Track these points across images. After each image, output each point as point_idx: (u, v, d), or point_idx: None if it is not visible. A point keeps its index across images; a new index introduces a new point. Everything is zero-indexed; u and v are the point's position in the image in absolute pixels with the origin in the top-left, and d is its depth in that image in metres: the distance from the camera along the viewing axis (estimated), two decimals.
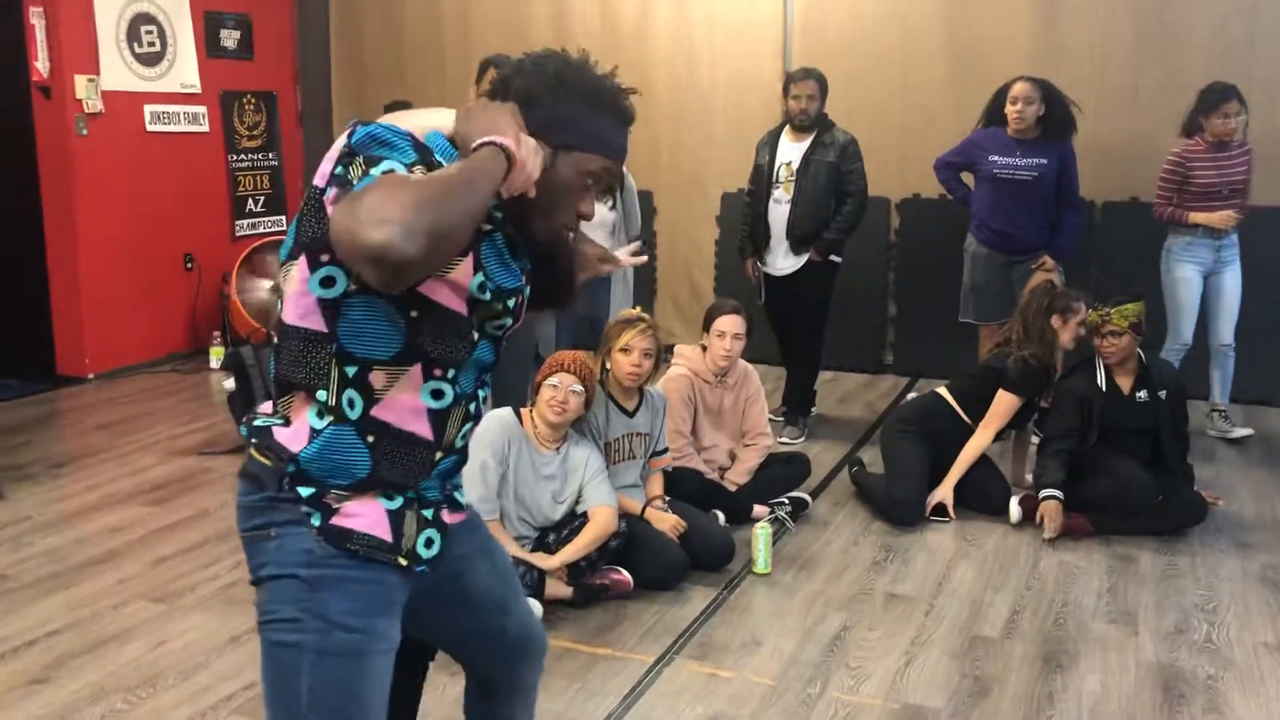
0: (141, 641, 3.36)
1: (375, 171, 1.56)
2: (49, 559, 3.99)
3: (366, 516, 1.70)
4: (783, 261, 5.38)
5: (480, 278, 1.68)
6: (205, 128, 7.19)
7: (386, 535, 1.71)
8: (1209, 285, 5.28)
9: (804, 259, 5.32)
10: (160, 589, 3.74)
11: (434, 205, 1.44)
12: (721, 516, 4.19)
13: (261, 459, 1.72)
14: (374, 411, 1.68)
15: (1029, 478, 4.52)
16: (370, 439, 1.68)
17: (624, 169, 5.59)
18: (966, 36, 6.34)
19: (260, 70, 7.56)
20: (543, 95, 1.70)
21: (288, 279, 1.68)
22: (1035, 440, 4.77)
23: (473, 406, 1.81)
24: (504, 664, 2.06)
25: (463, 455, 1.84)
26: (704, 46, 6.91)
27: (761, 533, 3.89)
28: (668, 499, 4.02)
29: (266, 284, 6.97)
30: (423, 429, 1.72)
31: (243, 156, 7.48)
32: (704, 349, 4.41)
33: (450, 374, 1.72)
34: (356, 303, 1.63)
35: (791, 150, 5.34)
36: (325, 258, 1.62)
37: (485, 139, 1.59)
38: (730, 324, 4.32)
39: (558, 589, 3.54)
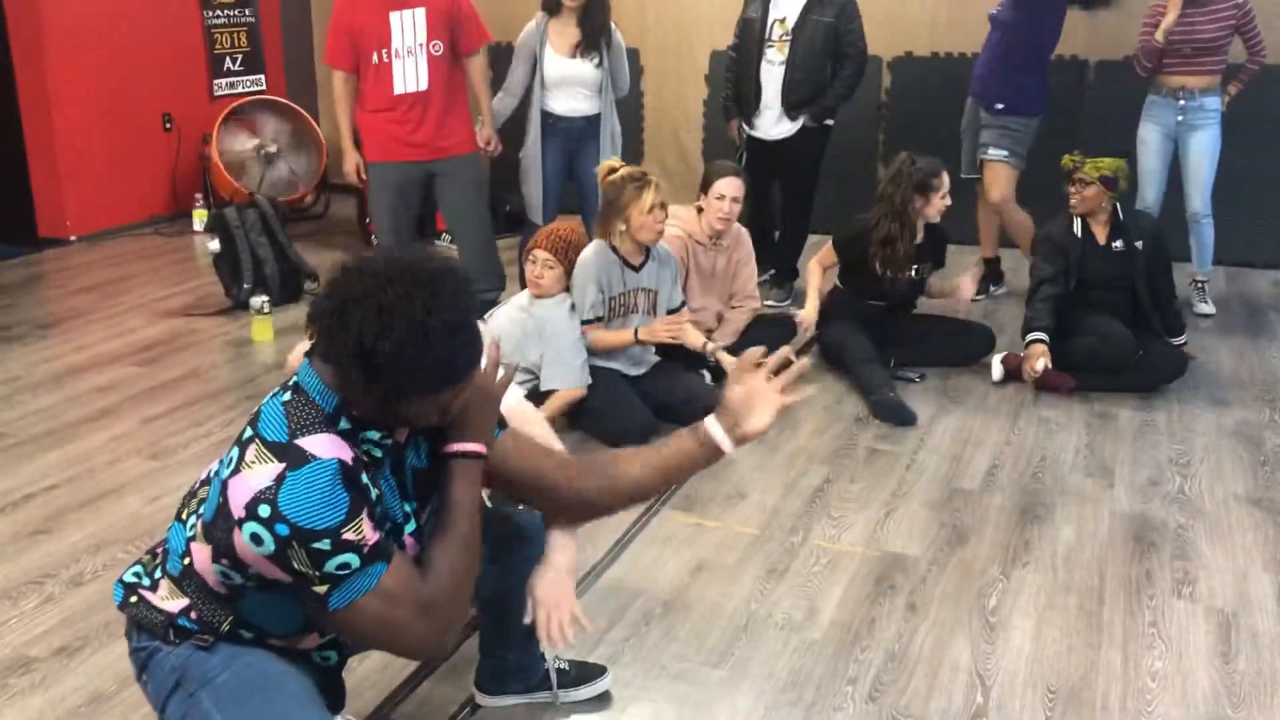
0: (138, 496, 3.43)
1: (355, 582, 1.65)
2: (42, 417, 4.03)
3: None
4: (775, 126, 5.24)
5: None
6: None
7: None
8: (1177, 150, 5.21)
9: (798, 124, 5.22)
10: (153, 445, 3.79)
11: (466, 578, 1.77)
12: (708, 376, 4.24)
13: (141, 621, 1.85)
14: (265, 645, 1.83)
15: (962, 291, 4.55)
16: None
17: (612, 25, 5.48)
18: None
19: None
20: (377, 375, 1.61)
21: (197, 534, 1.75)
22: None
23: None
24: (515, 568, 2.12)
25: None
26: None
27: None
28: (658, 358, 4.08)
29: (248, 144, 6.86)
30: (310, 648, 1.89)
31: (219, 13, 7.26)
32: (699, 210, 4.40)
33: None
34: (256, 593, 1.73)
35: (786, 6, 5.14)
36: (225, 561, 1.69)
37: (460, 448, 1.80)
38: (730, 187, 4.29)
39: None
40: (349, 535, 1.62)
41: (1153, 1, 5.13)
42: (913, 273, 4.53)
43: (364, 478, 1.68)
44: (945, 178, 4.42)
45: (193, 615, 1.80)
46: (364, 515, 1.65)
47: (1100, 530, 3.26)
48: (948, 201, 4.44)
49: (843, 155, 6.21)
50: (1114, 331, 4.25)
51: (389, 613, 1.67)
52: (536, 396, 3.87)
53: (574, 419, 3.89)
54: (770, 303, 5.36)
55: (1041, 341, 4.22)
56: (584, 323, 3.89)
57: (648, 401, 3.88)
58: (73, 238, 6.54)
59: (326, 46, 4.72)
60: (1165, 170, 5.24)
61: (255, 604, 1.76)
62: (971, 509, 3.38)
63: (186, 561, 1.78)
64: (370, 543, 1.66)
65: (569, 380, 3.83)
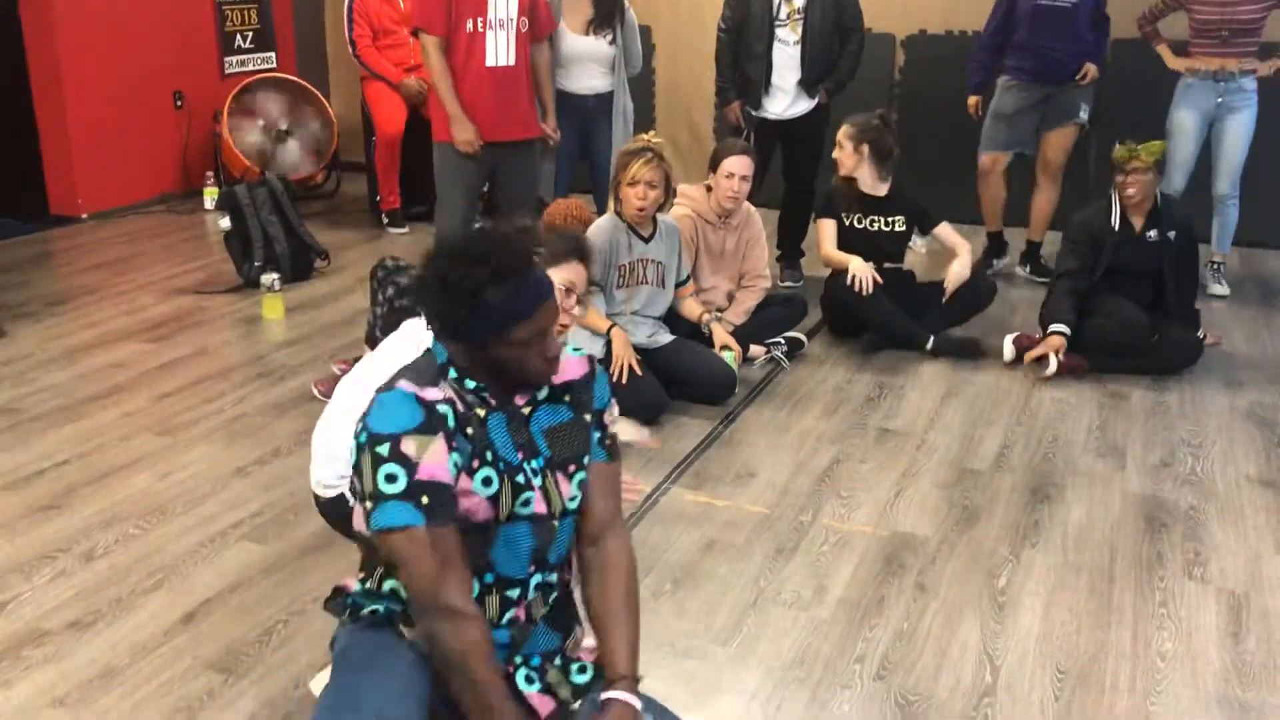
0: (149, 472, 3.44)
1: (382, 512, 1.72)
2: (53, 394, 4.04)
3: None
4: (793, 106, 5.16)
5: (485, 472, 1.80)
6: None
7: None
8: (1211, 132, 5.16)
9: (814, 102, 5.18)
10: (164, 423, 3.80)
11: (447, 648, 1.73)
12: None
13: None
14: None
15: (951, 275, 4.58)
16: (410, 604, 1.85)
17: (625, 1, 5.39)
18: None
19: None
20: (448, 322, 1.79)
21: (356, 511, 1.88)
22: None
23: (514, 593, 1.87)
24: None
25: (514, 642, 1.88)
26: None
27: (726, 355, 4.08)
28: (672, 336, 4.08)
29: (258, 123, 6.85)
30: None
31: None
32: (709, 189, 4.38)
33: (478, 566, 1.82)
34: None
35: None
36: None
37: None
38: (739, 165, 4.27)
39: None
40: (407, 447, 1.72)
41: None
42: (884, 224, 4.61)
43: (450, 416, 1.77)
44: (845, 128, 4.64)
45: (363, 583, 1.94)
46: (436, 439, 1.74)
47: (1111, 511, 3.25)
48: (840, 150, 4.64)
49: None
50: (1129, 315, 4.22)
51: (408, 563, 1.74)
52: None
53: None
54: (788, 284, 5.35)
55: (1061, 334, 4.21)
56: None
57: (662, 376, 3.88)
58: (84, 215, 6.55)
59: (418, 10, 4.52)
60: (1197, 155, 5.19)
61: None
62: (982, 489, 3.37)
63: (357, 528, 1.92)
64: (426, 472, 1.72)
65: (594, 350, 3.85)
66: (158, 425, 3.78)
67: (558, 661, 1.91)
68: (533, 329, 1.78)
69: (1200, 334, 4.45)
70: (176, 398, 4.02)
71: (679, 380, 3.95)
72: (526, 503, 1.84)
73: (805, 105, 5.17)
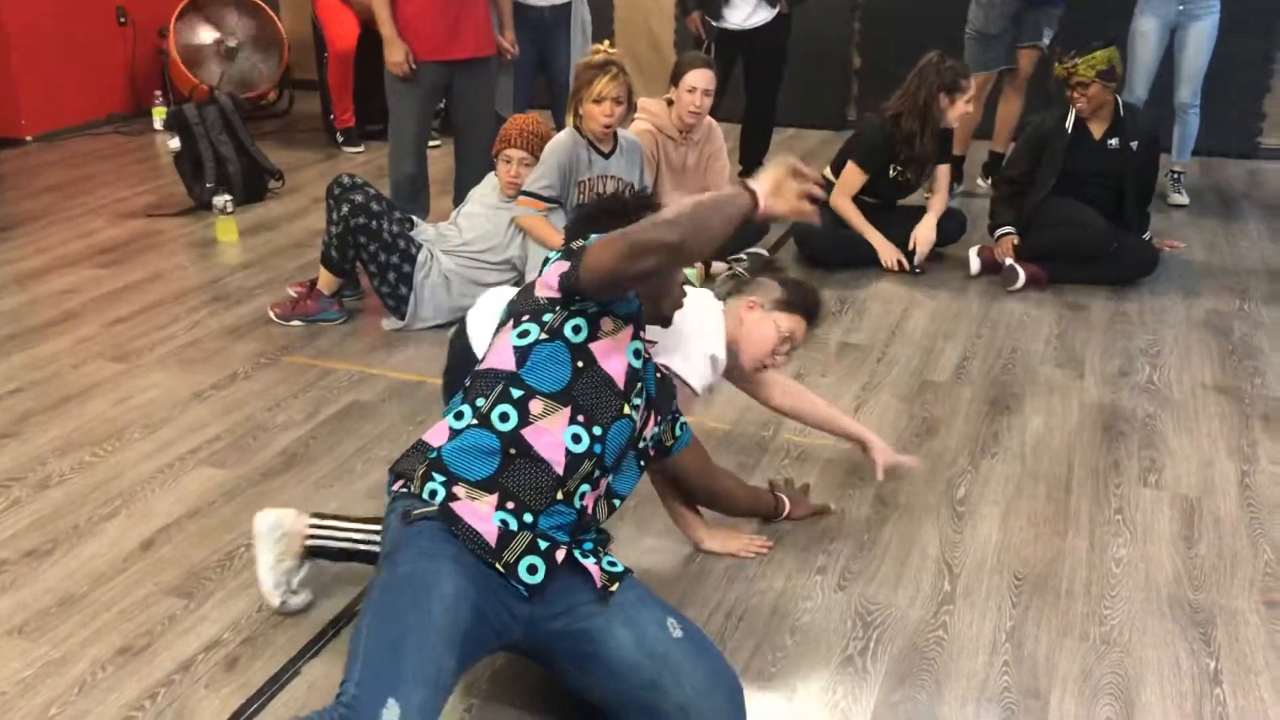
0: (104, 399, 3.39)
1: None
2: (4, 320, 3.97)
3: (479, 518, 1.90)
4: (753, 15, 5.10)
5: (636, 345, 2.08)
6: None
7: (490, 540, 1.89)
8: (1173, 40, 5.13)
9: (775, 11, 5.09)
10: (119, 348, 3.74)
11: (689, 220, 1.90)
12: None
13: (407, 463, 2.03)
14: (522, 431, 1.97)
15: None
16: (511, 450, 1.96)
17: None
18: None
19: None
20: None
21: (494, 346, 2.10)
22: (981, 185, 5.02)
23: (597, 473, 2.03)
24: None
25: (580, 519, 2.02)
26: None
27: (689, 272, 4.00)
28: None
29: (209, 37, 6.65)
30: (556, 458, 1.97)
31: None
32: (669, 103, 4.31)
33: (594, 429, 2.01)
34: (542, 348, 2.00)
35: None
36: (525, 318, 2.04)
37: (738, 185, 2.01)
38: (701, 79, 4.19)
39: None
40: (535, 406, 1.99)
41: None
42: (920, 169, 4.52)
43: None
44: (972, 81, 4.38)
45: (482, 402, 2.01)
46: (560, 411, 1.99)
47: (1069, 420, 3.28)
48: (970, 108, 4.40)
49: (814, 45, 6.09)
50: (1089, 220, 4.23)
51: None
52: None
53: None
54: None
55: (1009, 234, 4.31)
56: (524, 193, 3.83)
57: None
58: (29, 137, 6.37)
59: None
60: (1159, 63, 5.15)
61: (532, 366, 2.00)
62: (942, 401, 3.40)
63: (468, 383, 2.07)
64: (530, 432, 1.98)
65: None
66: (112, 351, 3.72)
67: (599, 552, 2.09)
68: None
69: (1147, 235, 4.45)
70: (130, 323, 3.95)
71: None
72: (636, 407, 2.09)
73: (766, 15, 5.08)
